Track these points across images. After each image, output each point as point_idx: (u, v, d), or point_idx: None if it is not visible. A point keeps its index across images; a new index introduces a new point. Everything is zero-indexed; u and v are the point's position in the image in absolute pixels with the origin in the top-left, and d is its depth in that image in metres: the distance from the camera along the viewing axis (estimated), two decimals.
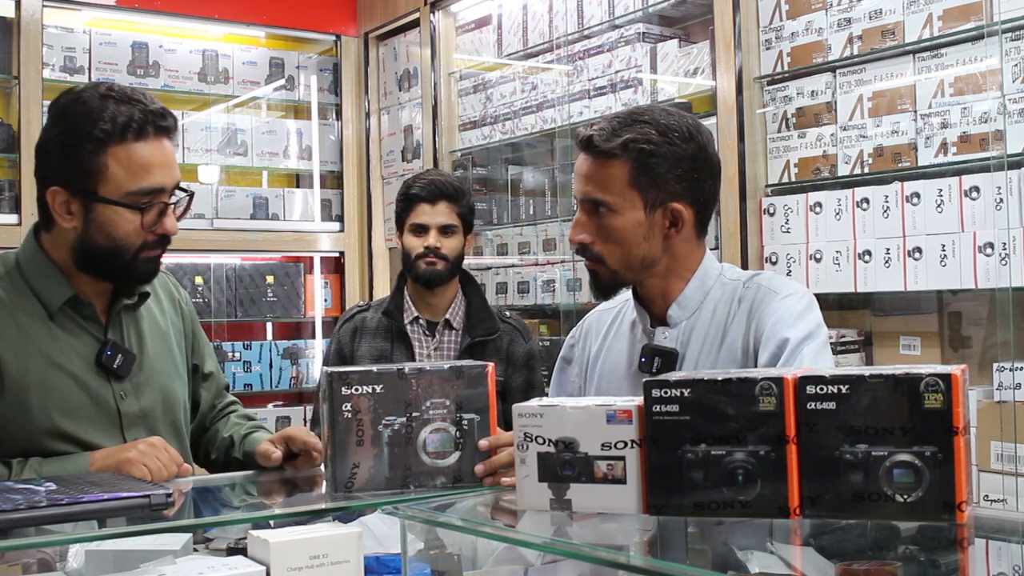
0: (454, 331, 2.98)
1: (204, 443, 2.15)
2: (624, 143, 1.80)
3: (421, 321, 2.98)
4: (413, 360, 2.91)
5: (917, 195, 2.85)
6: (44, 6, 4.30)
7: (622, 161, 1.81)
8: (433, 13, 4.58)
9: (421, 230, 2.94)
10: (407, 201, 2.97)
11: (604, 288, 1.90)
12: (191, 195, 1.94)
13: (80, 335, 1.90)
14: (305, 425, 3.15)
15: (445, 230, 2.94)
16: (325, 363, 3.07)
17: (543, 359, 3.99)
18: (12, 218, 4.21)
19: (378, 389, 1.58)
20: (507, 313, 3.14)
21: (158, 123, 1.84)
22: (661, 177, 1.81)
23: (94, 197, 1.82)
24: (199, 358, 2.16)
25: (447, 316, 2.97)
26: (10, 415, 1.82)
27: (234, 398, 2.25)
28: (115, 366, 1.90)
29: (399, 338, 2.95)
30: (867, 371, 1.23)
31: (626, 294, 2.00)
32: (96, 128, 1.79)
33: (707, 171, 1.87)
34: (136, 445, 1.79)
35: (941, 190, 2.80)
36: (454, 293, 3.00)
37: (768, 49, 3.25)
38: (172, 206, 1.88)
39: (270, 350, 4.80)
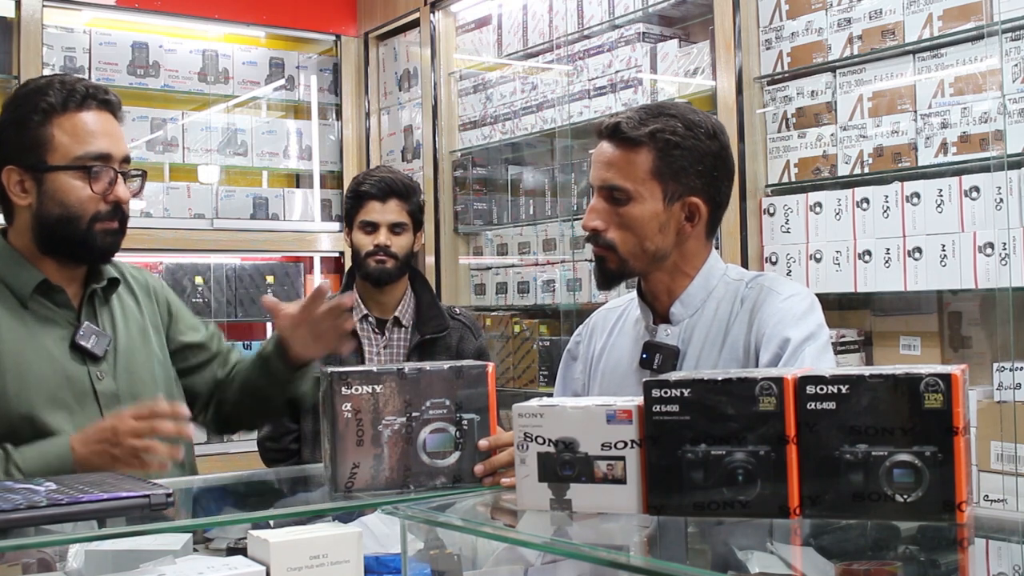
0: (403, 329, 2.98)
1: (229, 405, 2.16)
2: (651, 132, 1.82)
3: (371, 319, 2.97)
4: (363, 358, 2.91)
5: (917, 195, 2.85)
6: (44, 6, 4.30)
7: (647, 150, 1.82)
8: (433, 13, 4.58)
9: (371, 228, 2.93)
10: (357, 198, 2.96)
11: (609, 277, 1.90)
12: (144, 173, 2.02)
13: (54, 320, 1.93)
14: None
15: (395, 228, 2.94)
16: None
17: (544, 359, 4.00)
18: None
19: (378, 389, 1.58)
20: (457, 310, 3.13)
21: (100, 96, 1.94)
22: (683, 170, 1.83)
23: (43, 167, 1.89)
24: (183, 331, 2.17)
25: (396, 314, 2.97)
26: None
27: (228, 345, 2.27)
28: (89, 346, 1.92)
29: (348, 336, 2.94)
30: (867, 371, 1.23)
31: (632, 293, 2.01)
32: (42, 102, 1.89)
33: (725, 171, 1.89)
34: (112, 439, 1.74)
35: (941, 190, 2.80)
36: (403, 291, 3.00)
37: (768, 49, 3.25)
38: (123, 177, 1.94)
39: None
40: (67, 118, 1.90)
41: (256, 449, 3.03)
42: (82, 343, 1.92)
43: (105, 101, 1.94)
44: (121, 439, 1.73)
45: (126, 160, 1.96)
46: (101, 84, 1.98)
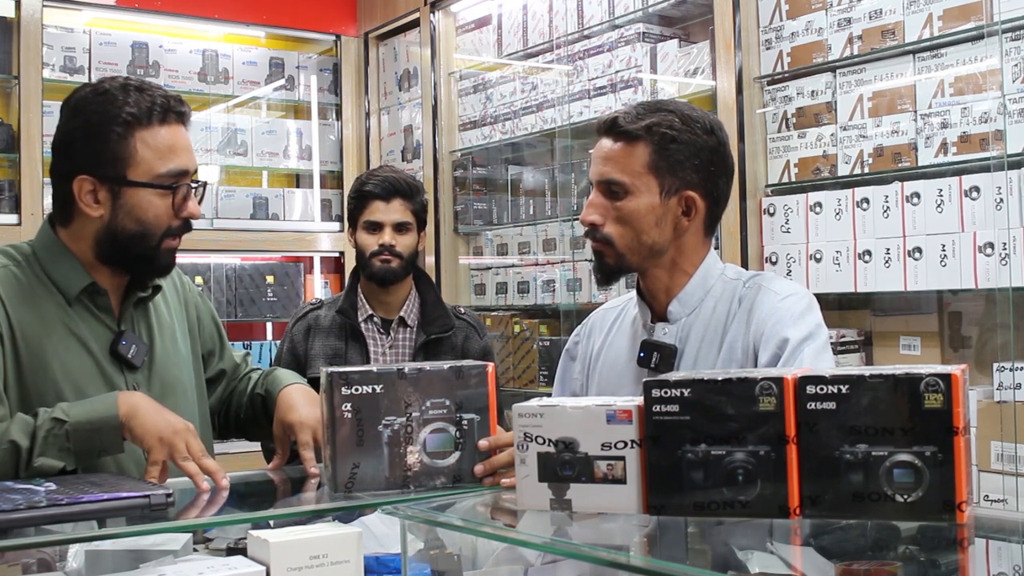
0: (409, 329, 2.97)
1: (231, 409, 2.17)
2: (648, 126, 1.83)
3: (375, 319, 2.97)
4: (368, 359, 2.91)
5: (917, 195, 2.85)
6: (44, 6, 4.30)
7: (644, 144, 1.84)
8: (433, 13, 4.58)
9: (375, 227, 2.92)
10: (361, 198, 2.95)
11: (607, 272, 1.91)
12: (205, 184, 1.98)
13: (95, 324, 1.91)
14: None
15: (400, 227, 2.93)
16: (277, 363, 3.04)
17: (544, 359, 4.00)
18: (12, 218, 4.21)
19: (378, 389, 1.58)
20: (461, 309, 3.13)
21: (177, 109, 1.90)
22: (680, 164, 1.84)
23: (124, 182, 1.85)
24: (205, 343, 2.18)
25: (401, 314, 2.97)
26: (30, 395, 1.81)
27: (253, 366, 2.26)
28: (129, 355, 1.91)
29: (353, 336, 2.93)
30: (867, 371, 1.23)
31: (631, 293, 2.01)
32: (123, 113, 1.83)
33: (723, 167, 1.89)
34: (178, 426, 1.72)
35: (941, 190, 2.80)
36: (408, 290, 2.99)
37: (768, 49, 3.25)
38: (193, 191, 1.92)
39: (270, 350, 4.80)
40: (150, 132, 1.84)
41: (258, 449, 3.02)
42: (123, 352, 1.91)
43: (180, 113, 1.91)
44: (179, 436, 1.70)
45: (195, 172, 1.94)
46: (174, 94, 1.92)
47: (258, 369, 2.24)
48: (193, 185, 1.91)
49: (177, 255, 2.01)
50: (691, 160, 1.84)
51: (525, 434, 1.39)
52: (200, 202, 1.96)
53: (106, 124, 1.83)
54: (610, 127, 1.87)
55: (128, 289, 1.97)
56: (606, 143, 1.88)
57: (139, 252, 1.89)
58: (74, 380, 1.85)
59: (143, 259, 1.90)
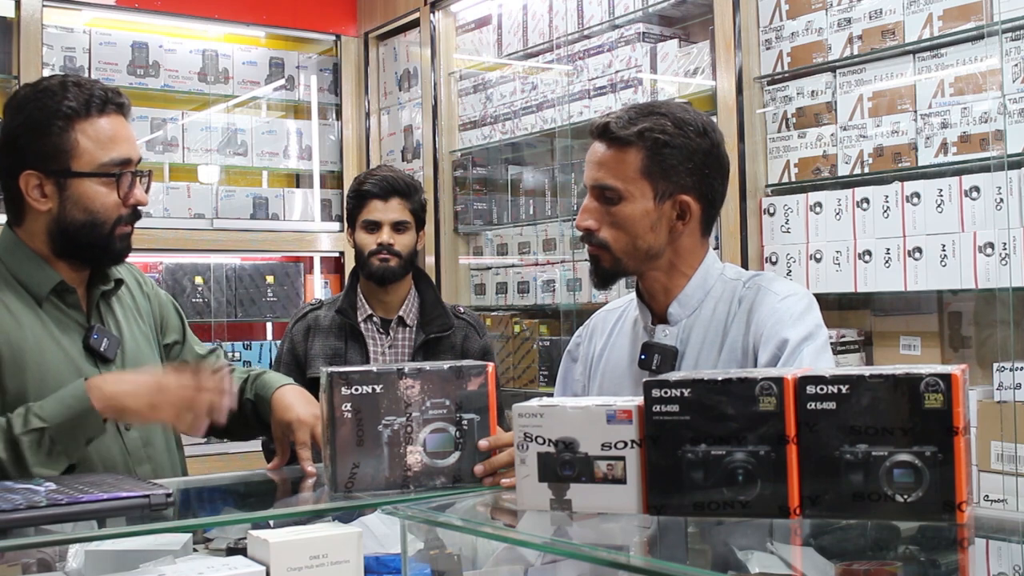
0: (408, 328, 2.98)
1: None
2: (640, 131, 1.82)
3: (375, 319, 2.97)
4: (367, 358, 2.92)
5: (917, 195, 2.85)
6: (44, 6, 4.30)
7: (636, 149, 1.83)
8: (433, 13, 4.58)
9: (374, 227, 2.93)
10: (359, 197, 2.96)
11: (604, 276, 1.91)
12: (150, 173, 2.01)
13: (66, 322, 1.94)
14: None
15: (398, 226, 2.94)
16: (277, 363, 3.05)
17: (544, 359, 4.00)
18: None
19: (378, 389, 1.58)
20: (461, 308, 3.13)
21: (115, 100, 1.94)
22: (673, 168, 1.83)
23: (68, 173, 1.88)
24: (169, 333, 2.18)
25: (400, 313, 2.97)
26: (9, 395, 1.83)
27: (227, 362, 2.26)
28: (102, 349, 1.94)
29: (353, 336, 2.94)
30: (867, 371, 1.23)
31: (632, 294, 2.01)
32: (63, 106, 1.87)
33: (717, 169, 1.88)
34: (159, 389, 1.74)
35: (941, 190, 2.80)
36: (407, 290, 3.00)
37: (768, 49, 3.25)
38: (139, 179, 1.95)
39: (270, 350, 4.80)
40: (89, 124, 1.88)
41: (258, 449, 3.03)
42: (95, 346, 1.93)
43: (120, 104, 1.94)
44: (162, 393, 1.72)
45: (138, 161, 1.97)
46: (111, 86, 1.97)
47: (228, 363, 2.23)
48: (138, 173, 1.94)
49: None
50: (684, 164, 1.83)
51: (525, 434, 1.39)
52: (146, 191, 1.99)
53: (47, 118, 1.87)
54: (602, 132, 1.86)
55: (91, 284, 2.00)
56: (599, 148, 1.87)
57: (91, 241, 1.91)
58: (51, 378, 1.86)
59: (97, 248, 1.93)
